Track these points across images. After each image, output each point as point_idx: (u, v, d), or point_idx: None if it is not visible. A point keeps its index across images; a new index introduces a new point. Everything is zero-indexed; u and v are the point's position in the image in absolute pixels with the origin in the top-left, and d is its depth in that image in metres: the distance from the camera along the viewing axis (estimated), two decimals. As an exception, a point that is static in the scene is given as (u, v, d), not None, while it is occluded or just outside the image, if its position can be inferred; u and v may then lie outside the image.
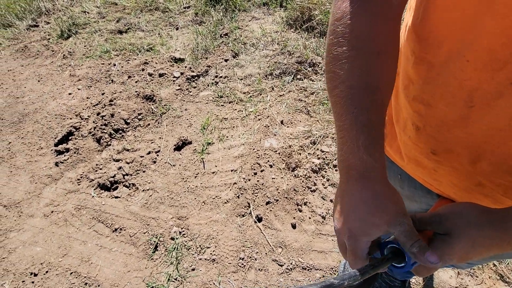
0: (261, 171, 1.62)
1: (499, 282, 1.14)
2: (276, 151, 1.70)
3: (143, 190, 1.65)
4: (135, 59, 2.61)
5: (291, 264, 1.29)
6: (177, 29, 2.99)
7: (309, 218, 1.43)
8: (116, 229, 1.48)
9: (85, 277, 1.33)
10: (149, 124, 2.02)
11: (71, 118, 2.08)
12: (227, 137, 1.87)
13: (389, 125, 0.57)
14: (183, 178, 1.69)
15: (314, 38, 2.44)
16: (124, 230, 1.48)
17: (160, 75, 2.38)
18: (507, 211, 0.35)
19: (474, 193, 0.46)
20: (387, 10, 0.39)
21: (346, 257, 0.42)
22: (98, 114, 2.04)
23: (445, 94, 0.40)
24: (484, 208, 0.36)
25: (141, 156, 1.82)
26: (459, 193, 0.49)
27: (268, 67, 2.30)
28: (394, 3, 0.39)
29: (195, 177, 1.69)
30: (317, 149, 1.69)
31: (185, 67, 2.45)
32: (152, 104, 2.14)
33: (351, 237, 0.39)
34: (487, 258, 0.61)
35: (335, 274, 1.25)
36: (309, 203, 1.47)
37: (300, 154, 1.66)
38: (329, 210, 1.44)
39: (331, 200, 1.48)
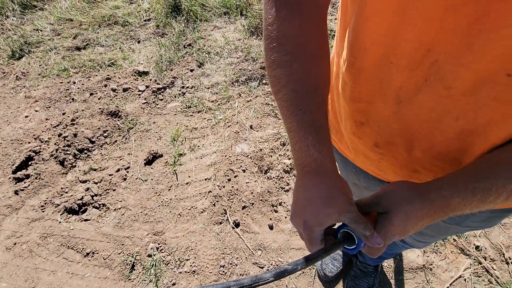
0: (235, 176, 1.63)
1: (460, 255, 1.24)
2: (247, 155, 1.72)
3: (115, 210, 1.59)
4: (97, 75, 2.52)
5: (272, 264, 1.31)
6: (138, 42, 2.94)
7: (285, 217, 1.46)
8: (88, 254, 1.41)
9: (56, 309, 1.24)
10: (116, 141, 1.95)
11: (29, 142, 1.95)
12: (198, 146, 1.86)
13: (336, 123, 0.62)
14: (156, 192, 1.65)
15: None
16: (97, 253, 1.42)
17: (125, 90, 2.33)
18: (429, 185, 0.39)
19: (412, 180, 0.52)
20: (315, 12, 0.42)
21: (303, 240, 0.46)
22: (59, 135, 1.94)
23: (379, 93, 0.44)
24: (411, 184, 0.40)
25: (110, 175, 1.75)
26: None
27: (234, 74, 2.33)
28: (321, 5, 0.43)
29: (169, 190, 1.66)
30: (287, 149, 1.73)
31: (150, 79, 2.41)
32: (118, 120, 2.08)
33: (306, 228, 0.42)
34: (436, 235, 0.66)
35: (313, 269, 1.28)
36: (284, 202, 1.51)
37: (271, 156, 1.70)
38: (303, 207, 1.48)
39: (304, 198, 1.52)
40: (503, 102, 0.33)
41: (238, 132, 1.87)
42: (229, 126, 1.94)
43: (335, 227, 0.45)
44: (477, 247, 1.25)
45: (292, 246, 1.36)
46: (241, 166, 1.68)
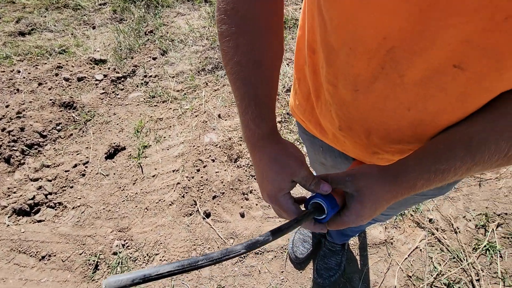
0: (204, 166, 1.60)
1: (417, 228, 1.35)
2: (216, 145, 1.69)
3: (73, 208, 1.47)
4: (45, 63, 2.28)
5: (244, 252, 1.31)
6: (93, 28, 2.71)
7: (256, 204, 1.46)
8: (43, 257, 1.29)
9: (8, 319, 1.13)
10: (71, 134, 1.80)
11: (-35, 139, 1.72)
12: (164, 137, 1.78)
13: (305, 101, 0.62)
14: (120, 187, 1.56)
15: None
16: (54, 255, 1.30)
17: (79, 79, 2.14)
18: (396, 168, 0.40)
19: (372, 159, 0.55)
20: None
21: (282, 217, 0.47)
22: (3, 130, 1.73)
23: (341, 77, 0.45)
24: (382, 168, 0.42)
25: (66, 171, 1.61)
26: (362, 160, 0.57)
27: (200, 62, 2.26)
28: None
29: (134, 183, 1.57)
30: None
31: (108, 68, 2.24)
32: (73, 112, 1.91)
33: (272, 200, 0.43)
34: (398, 207, 0.71)
35: (285, 252, 1.31)
36: (254, 190, 1.51)
37: (240, 145, 1.69)
38: (274, 194, 1.49)
39: (275, 184, 1.54)
40: (450, 93, 0.35)
41: (206, 122, 1.83)
42: (196, 116, 1.88)
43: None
44: (430, 220, 1.36)
45: (264, 231, 1.37)
46: (210, 155, 1.64)
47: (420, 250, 1.29)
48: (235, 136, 1.73)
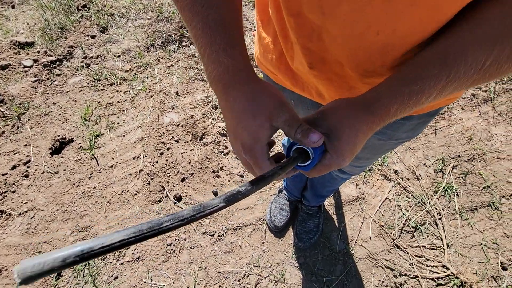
0: (168, 149, 1.48)
1: (384, 181, 1.42)
2: (178, 124, 1.57)
3: (20, 214, 1.29)
4: (-46, 52, 1.89)
5: (222, 230, 1.27)
6: (13, 7, 2.29)
7: (228, 181, 1.41)
8: (-9, 274, 1.12)
9: None
10: (3, 132, 1.54)
11: None
12: (118, 123, 1.61)
13: (273, 45, 0.54)
14: (73, 184, 1.39)
15: None
16: (6, 270, 1.14)
17: (3, 68, 1.81)
18: (367, 97, 0.36)
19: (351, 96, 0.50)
20: None
21: (254, 173, 0.40)
22: None
23: (306, 2, 0.38)
24: (350, 99, 0.38)
25: (3, 174, 1.39)
26: None
27: (148, 38, 2.04)
28: None
29: (90, 178, 1.41)
30: (220, 112, 1.64)
31: (38, 52, 1.93)
32: (1, 106, 1.62)
33: (246, 151, 0.36)
34: (372, 156, 0.70)
35: (263, 223, 1.30)
36: (225, 166, 1.45)
37: (204, 121, 1.59)
38: (244, 168, 1.45)
39: (245, 158, 1.49)
40: (420, 5, 0.31)
41: (164, 101, 1.68)
42: (151, 96, 1.72)
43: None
44: (395, 171, 1.44)
45: (240, 207, 1.34)
46: (172, 136, 1.52)
47: (389, 200, 1.36)
48: (197, 113, 1.62)
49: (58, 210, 1.31)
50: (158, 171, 1.42)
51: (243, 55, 0.37)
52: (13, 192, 1.35)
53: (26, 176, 1.40)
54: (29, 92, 1.71)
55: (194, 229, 1.27)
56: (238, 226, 1.28)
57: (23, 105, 1.64)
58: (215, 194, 1.37)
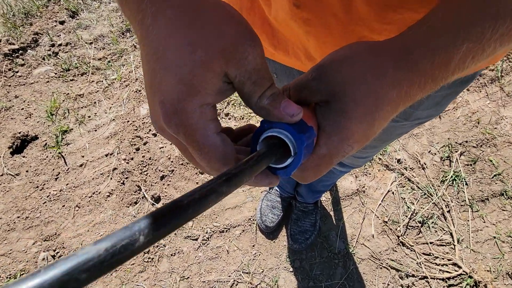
0: (144, 144, 1.32)
1: (386, 171, 1.29)
2: (156, 116, 1.41)
3: (-26, 224, 1.12)
4: None
5: (207, 233, 1.13)
6: (-31, -9, 2.06)
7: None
8: None
9: None
10: (-44, 131, 1.36)
11: None
12: (89, 117, 1.43)
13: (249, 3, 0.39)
14: (37, 187, 1.22)
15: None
16: (-46, 289, 0.98)
17: (-43, 59, 1.61)
18: (406, 39, 0.22)
19: None
20: None
21: (197, 164, 0.23)
22: None
23: None
24: (374, 43, 0.23)
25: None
26: None
27: (122, 22, 1.85)
28: None
29: (56, 179, 1.25)
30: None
31: (0, 40, 1.72)
32: (-47, 101, 1.44)
33: (169, 114, 0.19)
34: (379, 143, 0.55)
35: (253, 224, 1.15)
36: (210, 161, 1.29)
37: (185, 112, 1.42)
38: (232, 161, 1.30)
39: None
40: None
41: (140, 91, 1.51)
42: (127, 86, 1.54)
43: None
44: (398, 161, 1.30)
45: (227, 206, 1.19)
46: (150, 130, 1.36)
47: (392, 193, 1.23)
48: (177, 103, 1.46)
49: (18, 217, 1.14)
50: (134, 169, 1.26)
51: None
52: (-33, 198, 1.18)
53: (-18, 180, 1.23)
54: (-13, 84, 1.52)
55: (175, 234, 1.13)
56: (225, 228, 1.14)
57: (-20, 100, 1.46)
58: (199, 192, 1.22)
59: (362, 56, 0.22)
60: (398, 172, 1.28)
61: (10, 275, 1.02)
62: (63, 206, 1.18)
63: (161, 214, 0.12)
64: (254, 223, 1.15)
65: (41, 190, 1.22)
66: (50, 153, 1.31)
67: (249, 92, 0.20)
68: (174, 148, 1.32)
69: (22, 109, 1.46)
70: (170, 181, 1.24)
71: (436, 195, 1.21)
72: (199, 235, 1.12)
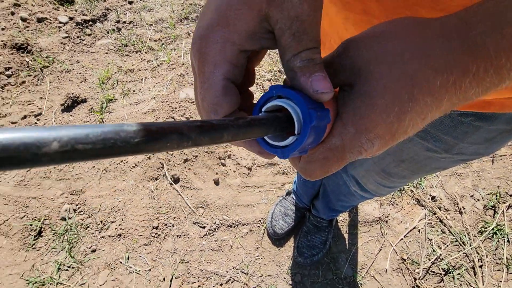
0: (176, 125, 1.37)
1: (416, 206, 1.18)
2: (193, 101, 1.45)
3: (18, 165, 1.25)
4: (2, 1, 1.94)
5: (215, 224, 1.13)
6: (62, -35, 2.33)
7: (234, 171, 1.26)
8: (-25, 219, 1.09)
9: None
10: (24, 82, 1.53)
11: None
12: (133, 91, 1.53)
13: None
14: (76, 145, 1.33)
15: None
16: (-11, 218, 1.10)
17: (39, 20, 1.82)
18: (447, 19, 0.17)
19: None
20: None
21: (196, 102, 0.22)
22: None
23: None
24: (424, 19, 0.18)
25: (12, 123, 1.37)
26: None
27: (183, 10, 1.95)
28: None
29: (93, 141, 1.34)
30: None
31: (76, 10, 1.92)
32: (28, 56, 1.62)
33: (195, 40, 0.19)
34: (410, 174, 0.49)
35: (262, 226, 1.13)
36: (233, 155, 1.30)
37: (221, 103, 1.45)
38: (255, 159, 1.29)
39: (257, 150, 1.33)
40: None
41: (184, 76, 1.57)
42: (173, 69, 1.62)
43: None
44: (432, 198, 1.18)
45: (239, 203, 1.18)
46: (184, 113, 1.40)
47: (419, 230, 1.12)
48: (215, 93, 1.49)
49: (54, 168, 1.25)
50: (162, 147, 1.31)
51: None
52: (18, 141, 1.32)
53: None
54: (57, 47, 1.70)
55: (185, 217, 1.15)
56: (233, 224, 1.13)
57: (48, 59, 1.63)
58: (216, 183, 1.23)
59: (404, 32, 0.18)
60: (429, 210, 1.16)
61: (35, 217, 1.12)
62: (93, 167, 1.27)
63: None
64: (263, 226, 1.13)
65: (78, 148, 1.32)
66: (94, 117, 1.42)
67: (285, 45, 0.18)
68: (203, 135, 1.35)
69: (80, 73, 1.60)
70: (191, 165, 1.27)
71: (470, 245, 1.08)
72: (207, 224, 1.13)
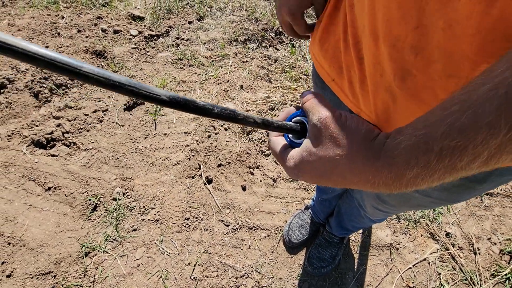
0: (216, 133, 1.56)
1: (429, 239, 1.22)
2: (232, 114, 1.64)
3: (85, 150, 1.52)
4: (88, 13, 2.35)
5: (238, 224, 1.27)
6: (138, -14, 2.74)
7: (260, 181, 1.40)
8: (49, 188, 1.35)
9: (8, 236, 1.20)
10: (97, 82, 1.84)
11: (5, 70, 1.83)
12: (183, 99, 1.76)
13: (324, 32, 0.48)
14: (131, 139, 1.57)
15: (282, 7, 2.36)
16: (59, 189, 1.36)
17: (115, 32, 2.18)
18: (383, 145, 0.26)
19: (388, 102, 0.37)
20: None
21: (291, 33, 0.54)
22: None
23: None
24: (366, 135, 0.28)
25: (85, 115, 1.66)
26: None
27: (234, 32, 2.19)
28: None
29: (145, 138, 1.58)
30: (275, 114, 1.65)
31: (144, 26, 2.26)
32: (103, 61, 1.95)
33: (291, 15, 0.50)
34: (398, 205, 0.56)
35: (279, 233, 1.25)
36: (262, 166, 1.45)
37: (257, 118, 1.62)
38: (280, 173, 1.42)
39: (283, 165, 1.46)
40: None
41: (227, 91, 1.78)
42: (219, 84, 1.83)
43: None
44: (447, 234, 1.22)
45: (262, 209, 1.32)
46: (224, 123, 1.60)
47: (428, 263, 1.16)
48: (253, 109, 1.67)
49: (112, 156, 1.50)
50: (201, 151, 1.50)
51: None
52: (87, 130, 1.60)
53: (100, 121, 1.64)
54: (126, 55, 2.02)
55: (213, 214, 1.31)
56: (254, 227, 1.27)
57: (118, 65, 1.94)
58: (244, 189, 1.38)
59: (353, 131, 0.28)
60: (443, 245, 1.20)
61: (93, 194, 1.36)
62: (143, 159, 1.49)
63: (239, 113, 0.28)
64: (280, 233, 1.25)
65: (133, 142, 1.56)
66: (148, 118, 1.66)
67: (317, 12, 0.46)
68: (237, 145, 1.52)
69: (142, 79, 1.88)
70: (224, 170, 1.44)
71: (480, 286, 1.10)
72: (231, 223, 1.27)
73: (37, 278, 1.13)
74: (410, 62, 0.30)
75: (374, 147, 0.27)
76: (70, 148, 1.52)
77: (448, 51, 0.27)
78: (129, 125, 1.64)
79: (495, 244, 1.19)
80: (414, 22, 0.28)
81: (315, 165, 0.29)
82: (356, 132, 0.28)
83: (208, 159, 1.48)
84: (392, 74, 0.33)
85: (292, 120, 0.35)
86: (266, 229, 1.26)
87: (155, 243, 1.22)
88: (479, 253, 1.17)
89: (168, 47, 2.11)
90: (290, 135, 0.35)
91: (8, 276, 1.13)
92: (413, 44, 0.29)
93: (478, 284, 1.10)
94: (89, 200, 1.33)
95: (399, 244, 1.20)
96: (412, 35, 0.29)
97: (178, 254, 1.20)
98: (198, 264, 1.17)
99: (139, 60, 2.01)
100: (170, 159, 1.49)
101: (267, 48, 2.09)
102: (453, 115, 0.21)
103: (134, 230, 1.26)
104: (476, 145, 0.20)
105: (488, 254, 1.17)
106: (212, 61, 2.02)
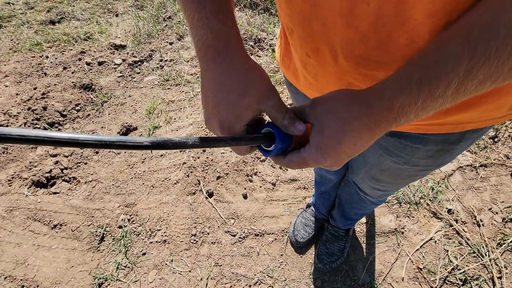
0: (210, 147, 1.59)
1: (432, 219, 1.23)
2: (224, 126, 1.67)
3: (86, 182, 1.54)
4: (71, 49, 2.40)
5: (244, 232, 1.29)
6: (116, 15, 2.81)
7: (260, 186, 1.43)
8: (55, 226, 1.37)
9: (21, 279, 1.21)
10: (89, 115, 1.88)
11: (-3, 117, 1.87)
12: (174, 119, 1.80)
13: (284, 38, 0.54)
14: (129, 165, 1.60)
15: (258, 14, 2.42)
16: (65, 225, 1.37)
17: (100, 63, 2.23)
18: (372, 88, 0.32)
19: None
20: None
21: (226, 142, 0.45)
22: (29, 109, 1.85)
23: None
24: (350, 90, 0.34)
25: (81, 148, 1.69)
26: None
27: (214, 46, 2.24)
28: None
29: (142, 162, 1.61)
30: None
31: (127, 53, 2.31)
32: (91, 94, 1.99)
33: (224, 130, 0.36)
34: (392, 180, 0.62)
35: (286, 235, 1.26)
36: (259, 172, 1.47)
37: (248, 126, 1.65)
38: (278, 176, 1.45)
39: (280, 168, 1.49)
40: None
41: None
42: (206, 99, 1.87)
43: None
44: (449, 211, 1.24)
45: (265, 214, 1.34)
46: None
47: (435, 242, 1.18)
48: (243, 118, 1.70)
49: (113, 185, 1.52)
50: (198, 166, 1.53)
51: (235, 24, 0.36)
52: (85, 163, 1.62)
53: (97, 153, 1.67)
54: (113, 84, 2.06)
55: (218, 226, 1.32)
56: (260, 233, 1.28)
57: (107, 95, 1.98)
58: (245, 197, 1.40)
59: (341, 97, 0.33)
60: (446, 222, 1.22)
61: (99, 225, 1.37)
62: (143, 183, 1.52)
63: (211, 138, 0.30)
64: (286, 235, 1.26)
65: (131, 168, 1.59)
66: (143, 142, 1.70)
67: (275, 116, 0.36)
68: (233, 156, 1.55)
69: (131, 105, 1.92)
70: (223, 182, 1.46)
71: (488, 256, 1.11)
72: (237, 233, 1.29)
73: (55, 316, 1.14)
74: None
75: (362, 96, 0.32)
76: (70, 184, 1.54)
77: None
78: (125, 152, 1.66)
79: (497, 213, 1.21)
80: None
81: (337, 140, 0.32)
82: (341, 98, 0.33)
83: (207, 173, 1.50)
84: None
85: (262, 131, 0.38)
86: (272, 233, 1.28)
87: (166, 264, 1.24)
88: (483, 225, 1.19)
89: (153, 70, 2.16)
90: (262, 145, 0.38)
91: (26, 318, 1.14)
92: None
93: (486, 255, 1.12)
94: (96, 231, 1.35)
95: (403, 228, 1.22)
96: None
97: (190, 271, 1.21)
98: (211, 278, 1.18)
99: (127, 87, 2.05)
100: (170, 179, 1.51)
101: (249, 57, 2.14)
102: (427, 52, 0.27)
103: (144, 254, 1.28)
104: (447, 72, 0.25)
105: (492, 224, 1.19)
106: (198, 77, 2.06)
